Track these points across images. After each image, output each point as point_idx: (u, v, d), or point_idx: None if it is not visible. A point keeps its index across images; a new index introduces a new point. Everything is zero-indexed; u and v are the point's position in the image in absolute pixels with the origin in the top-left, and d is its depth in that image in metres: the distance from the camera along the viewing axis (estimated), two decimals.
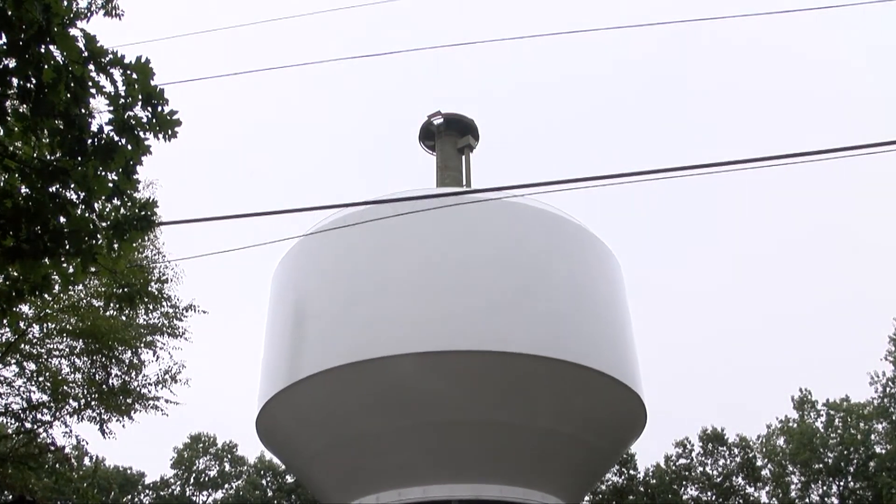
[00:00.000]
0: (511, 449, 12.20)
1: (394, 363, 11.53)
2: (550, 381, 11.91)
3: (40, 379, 12.46)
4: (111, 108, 4.24)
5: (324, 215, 13.71)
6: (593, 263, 13.79)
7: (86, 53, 4.04)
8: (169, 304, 13.12)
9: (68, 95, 4.08)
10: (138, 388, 13.20)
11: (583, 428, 12.71)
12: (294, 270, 13.86)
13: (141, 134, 4.33)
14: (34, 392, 12.54)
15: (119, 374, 13.02)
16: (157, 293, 12.72)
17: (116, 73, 4.15)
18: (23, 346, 12.08)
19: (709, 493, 29.10)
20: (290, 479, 32.48)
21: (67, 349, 12.54)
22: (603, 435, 13.26)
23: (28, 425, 12.73)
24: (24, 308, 11.51)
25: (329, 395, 12.17)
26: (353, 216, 12.91)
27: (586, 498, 28.37)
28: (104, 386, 12.81)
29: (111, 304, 12.04)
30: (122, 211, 4.60)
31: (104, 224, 4.56)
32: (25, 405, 12.49)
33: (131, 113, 4.27)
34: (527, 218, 13.01)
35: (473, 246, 12.39)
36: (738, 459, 29.49)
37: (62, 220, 4.43)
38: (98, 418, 12.81)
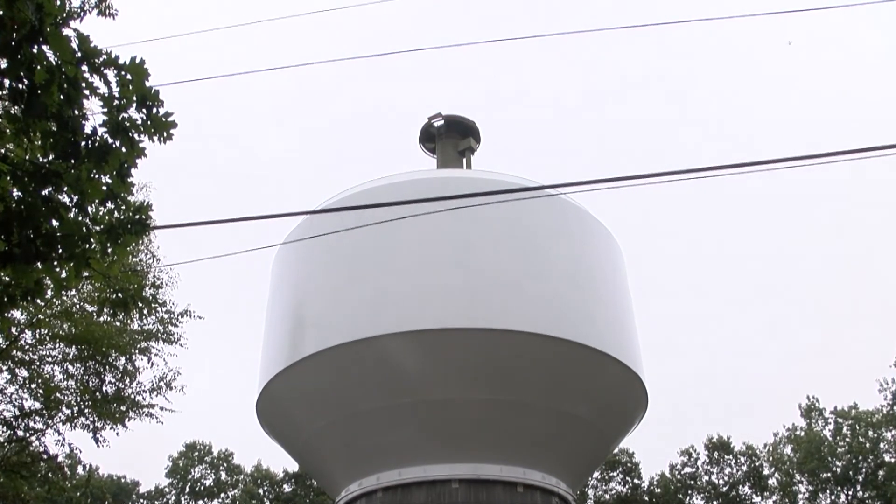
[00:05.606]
0: (511, 428, 12.22)
1: (393, 341, 11.54)
2: (551, 360, 11.95)
3: (32, 386, 12.33)
4: (105, 110, 4.17)
5: (325, 199, 13.98)
6: (594, 245, 13.87)
7: (79, 54, 3.97)
8: (164, 309, 13.03)
9: (61, 97, 4.00)
10: (132, 396, 13.08)
11: (583, 408, 12.73)
12: (294, 252, 13.87)
13: (135, 136, 4.26)
14: (26, 399, 12.42)
15: (113, 380, 12.90)
16: (151, 298, 12.62)
17: (110, 74, 4.08)
18: (15, 352, 11.95)
19: (714, 503, 28.96)
20: (287, 487, 32.25)
21: (60, 355, 12.42)
22: (604, 415, 13.26)
23: (20, 433, 12.58)
24: (16, 313, 11.40)
25: (329, 374, 12.18)
26: (353, 198, 13.12)
27: None
28: (98, 393, 12.68)
29: (105, 310, 11.95)
30: (116, 214, 4.53)
31: (98, 228, 4.49)
32: (17, 413, 12.35)
33: (125, 115, 4.20)
34: (527, 199, 13.00)
35: (473, 225, 12.41)
36: (744, 468, 29.34)
37: (55, 223, 4.35)
38: (91, 426, 12.68)
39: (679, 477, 29.88)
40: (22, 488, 13.32)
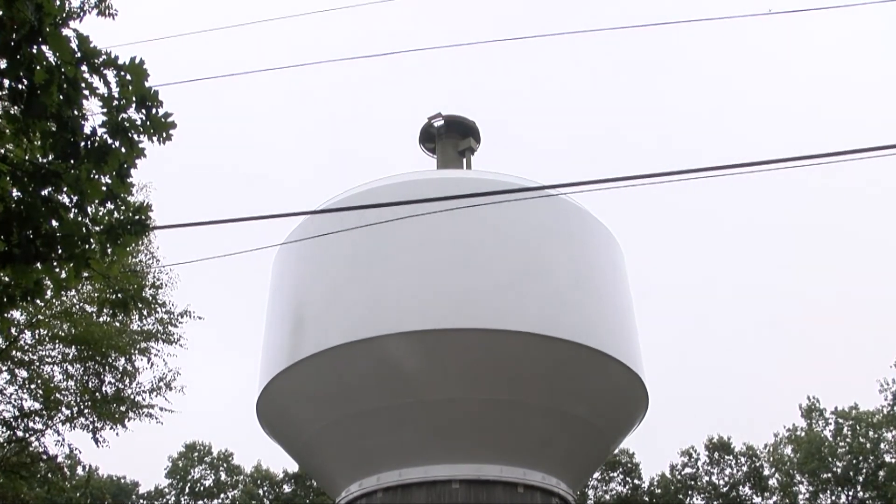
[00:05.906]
0: (512, 429, 12.24)
1: (393, 342, 11.55)
2: (551, 360, 11.95)
3: (32, 386, 12.32)
4: (104, 110, 4.16)
5: (325, 199, 13.98)
6: (594, 245, 13.88)
7: (79, 54, 3.96)
8: (163, 309, 13.03)
9: (61, 97, 4.00)
10: (132, 396, 13.08)
11: (583, 408, 12.74)
12: (294, 252, 13.89)
13: (135, 136, 4.25)
14: (26, 400, 12.42)
15: (112, 381, 12.90)
16: (151, 298, 12.62)
17: (110, 75, 4.07)
18: (14, 352, 11.95)
19: (715, 503, 28.95)
20: (287, 488, 32.24)
21: (60, 356, 12.42)
22: (604, 415, 13.27)
23: (20, 434, 12.57)
24: (16, 314, 11.39)
25: (329, 374, 12.19)
26: (353, 198, 13.17)
27: None
28: (97, 393, 12.68)
29: (104, 310, 11.94)
30: (116, 215, 4.52)
31: (97, 228, 4.48)
32: (17, 413, 12.35)
33: (125, 115, 4.20)
34: (527, 199, 12.99)
35: (473, 225, 12.42)
36: (744, 468, 29.33)
37: (54, 224, 4.35)
38: (91, 426, 12.67)
39: (679, 477, 29.88)
40: (22, 489, 13.32)
